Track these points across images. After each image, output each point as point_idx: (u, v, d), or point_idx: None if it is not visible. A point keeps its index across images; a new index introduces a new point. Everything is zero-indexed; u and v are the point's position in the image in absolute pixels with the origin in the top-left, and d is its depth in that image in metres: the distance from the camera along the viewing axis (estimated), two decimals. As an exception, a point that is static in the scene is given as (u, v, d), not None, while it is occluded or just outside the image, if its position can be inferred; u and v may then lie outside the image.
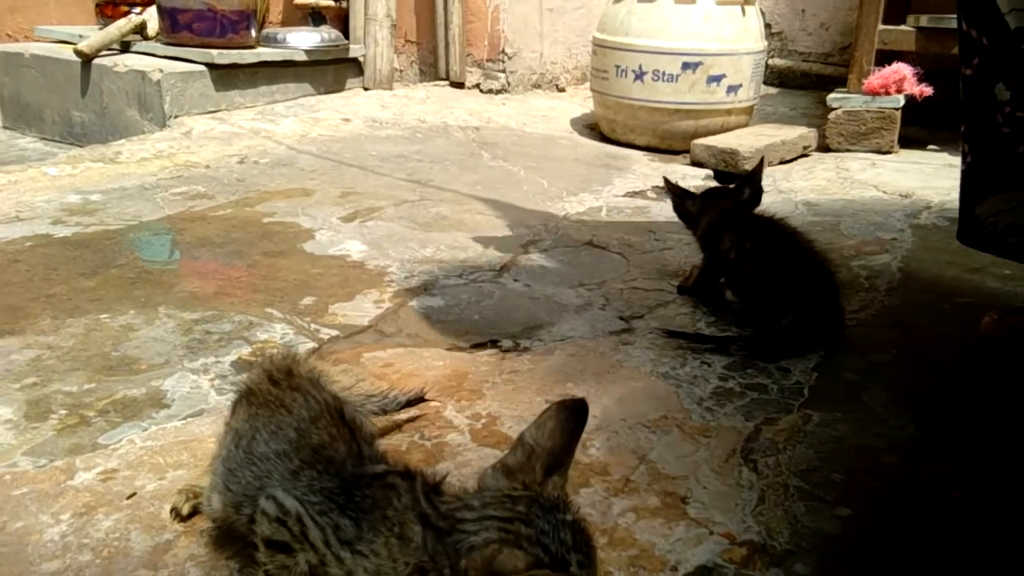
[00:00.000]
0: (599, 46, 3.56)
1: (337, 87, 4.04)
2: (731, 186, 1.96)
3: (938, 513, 1.11)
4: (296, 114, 3.50)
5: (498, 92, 4.16)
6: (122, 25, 3.58)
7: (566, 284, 1.93)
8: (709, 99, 3.41)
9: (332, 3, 4.26)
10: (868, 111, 3.36)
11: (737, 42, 3.37)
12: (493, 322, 1.71)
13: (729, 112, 3.48)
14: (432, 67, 4.36)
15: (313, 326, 1.64)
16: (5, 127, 3.95)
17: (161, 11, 3.56)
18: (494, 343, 1.61)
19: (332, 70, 4.01)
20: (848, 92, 3.43)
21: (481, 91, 4.17)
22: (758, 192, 1.89)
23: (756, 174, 1.89)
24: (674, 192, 1.93)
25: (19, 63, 3.78)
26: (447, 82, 4.29)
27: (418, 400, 1.27)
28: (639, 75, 3.42)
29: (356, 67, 4.13)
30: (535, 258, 2.10)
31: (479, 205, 2.54)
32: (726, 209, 1.85)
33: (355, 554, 0.76)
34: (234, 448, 0.91)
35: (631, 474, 1.15)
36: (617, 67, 3.47)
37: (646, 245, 2.24)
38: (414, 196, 2.58)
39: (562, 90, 4.48)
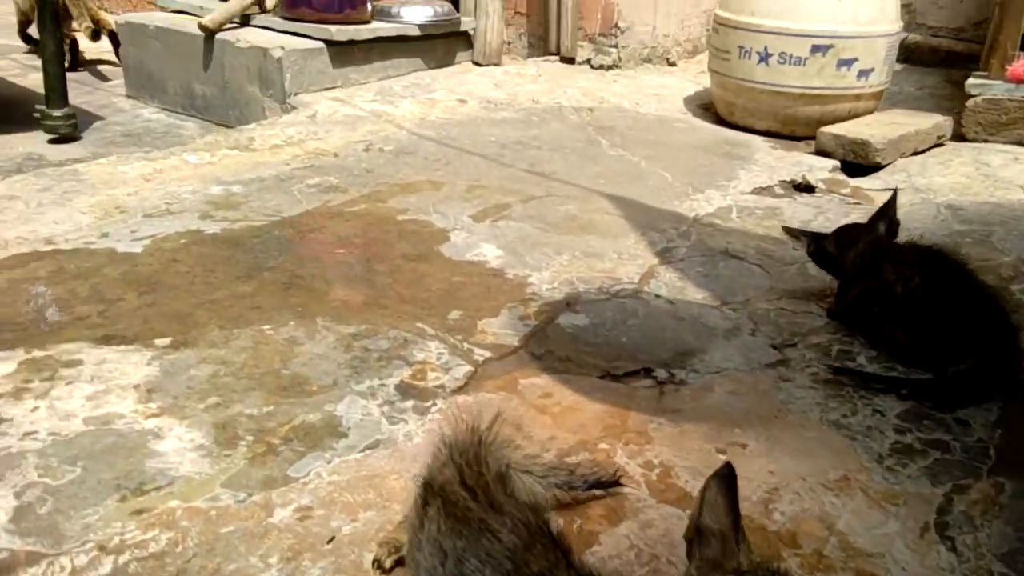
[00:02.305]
0: (721, 24, 3.41)
1: (447, 61, 4.02)
2: (863, 223, 1.92)
3: None
4: (413, 95, 3.49)
5: (609, 68, 4.06)
6: (243, -1, 3.62)
7: (709, 302, 1.89)
8: (838, 84, 3.25)
9: (442, -27, 4.20)
10: (1011, 100, 3.15)
11: (873, 24, 3.18)
12: (642, 346, 1.69)
13: (858, 97, 3.31)
14: (541, 40, 4.28)
15: (466, 345, 1.66)
16: (128, 96, 4.08)
17: (281, -15, 3.58)
18: (648, 372, 1.60)
19: (442, 44, 3.98)
20: (988, 78, 3.22)
21: (592, 67, 4.08)
22: (894, 226, 1.85)
23: (890, 206, 1.84)
24: (807, 237, 1.92)
25: (144, 34, 3.87)
26: (557, 57, 4.20)
27: (611, 484, 1.21)
28: (764, 57, 3.28)
29: (465, 40, 4.08)
30: (673, 270, 2.06)
31: (605, 203, 2.50)
32: (879, 239, 1.81)
33: None
34: (440, 566, 0.88)
35: (823, 547, 1.13)
36: (740, 48, 3.33)
37: (785, 256, 2.17)
38: (539, 191, 2.56)
39: (673, 64, 4.34)
